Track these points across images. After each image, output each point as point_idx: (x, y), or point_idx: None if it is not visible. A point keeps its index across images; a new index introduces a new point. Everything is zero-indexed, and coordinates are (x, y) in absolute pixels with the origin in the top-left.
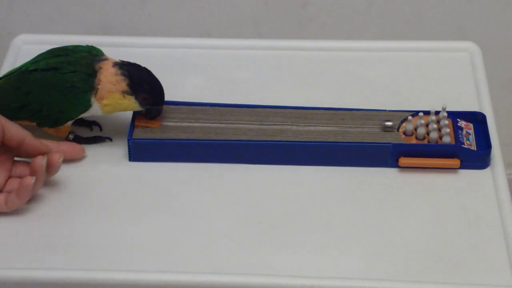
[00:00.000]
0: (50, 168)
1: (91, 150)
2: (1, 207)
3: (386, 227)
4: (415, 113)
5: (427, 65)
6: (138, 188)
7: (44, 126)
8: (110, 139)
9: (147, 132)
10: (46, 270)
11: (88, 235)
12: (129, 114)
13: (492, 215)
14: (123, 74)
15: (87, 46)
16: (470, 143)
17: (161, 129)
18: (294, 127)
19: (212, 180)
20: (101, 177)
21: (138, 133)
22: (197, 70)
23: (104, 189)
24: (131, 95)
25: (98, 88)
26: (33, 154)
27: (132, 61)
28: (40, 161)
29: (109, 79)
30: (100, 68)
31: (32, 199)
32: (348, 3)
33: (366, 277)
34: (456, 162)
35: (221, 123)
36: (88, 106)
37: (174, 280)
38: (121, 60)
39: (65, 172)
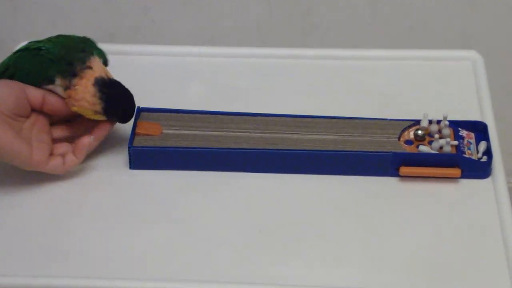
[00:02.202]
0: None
1: (92, 158)
2: (59, 168)
3: (386, 236)
4: (416, 122)
5: (429, 74)
6: (139, 196)
7: None
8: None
9: (148, 140)
10: (47, 278)
11: (88, 243)
12: (130, 122)
13: (493, 225)
14: (100, 98)
15: (80, 38)
16: (471, 152)
17: (162, 137)
18: (295, 136)
19: (213, 188)
20: (102, 185)
21: (139, 141)
22: (199, 78)
23: (104, 197)
24: (103, 115)
25: (72, 90)
26: (59, 111)
27: (134, 68)
28: (107, 126)
29: (85, 97)
30: (81, 78)
31: (32, 205)
32: (352, 12)
33: (365, 287)
34: (457, 171)
35: (222, 131)
36: (51, 79)
37: None
38: (102, 78)
39: (66, 179)
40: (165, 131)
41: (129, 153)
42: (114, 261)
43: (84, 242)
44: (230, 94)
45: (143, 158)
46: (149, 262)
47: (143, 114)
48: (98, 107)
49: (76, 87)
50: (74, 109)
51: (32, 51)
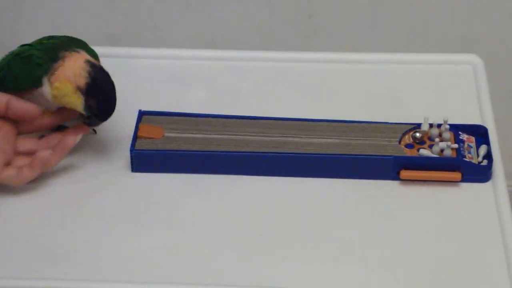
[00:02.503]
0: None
1: (94, 160)
2: (12, 180)
3: (386, 240)
4: (417, 126)
5: (430, 78)
6: (140, 199)
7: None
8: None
9: (150, 143)
10: (47, 280)
11: (89, 245)
12: (132, 125)
13: (493, 228)
14: (88, 73)
15: (72, 38)
16: (471, 156)
17: (164, 140)
18: (296, 139)
19: (214, 191)
20: (104, 187)
21: (141, 144)
22: (201, 81)
23: (106, 199)
24: (83, 95)
25: (57, 70)
26: (23, 117)
27: (137, 71)
28: (71, 141)
29: (73, 67)
30: (65, 56)
31: (33, 208)
32: (353, 15)
33: None
34: (457, 175)
35: (223, 135)
36: (38, 83)
37: None
38: (93, 61)
39: (67, 181)
40: (167, 134)
41: (130, 156)
42: (115, 264)
43: (86, 244)
44: (232, 97)
45: (145, 161)
46: (150, 264)
47: (145, 117)
48: (82, 82)
49: (65, 63)
50: (56, 85)
51: (23, 58)
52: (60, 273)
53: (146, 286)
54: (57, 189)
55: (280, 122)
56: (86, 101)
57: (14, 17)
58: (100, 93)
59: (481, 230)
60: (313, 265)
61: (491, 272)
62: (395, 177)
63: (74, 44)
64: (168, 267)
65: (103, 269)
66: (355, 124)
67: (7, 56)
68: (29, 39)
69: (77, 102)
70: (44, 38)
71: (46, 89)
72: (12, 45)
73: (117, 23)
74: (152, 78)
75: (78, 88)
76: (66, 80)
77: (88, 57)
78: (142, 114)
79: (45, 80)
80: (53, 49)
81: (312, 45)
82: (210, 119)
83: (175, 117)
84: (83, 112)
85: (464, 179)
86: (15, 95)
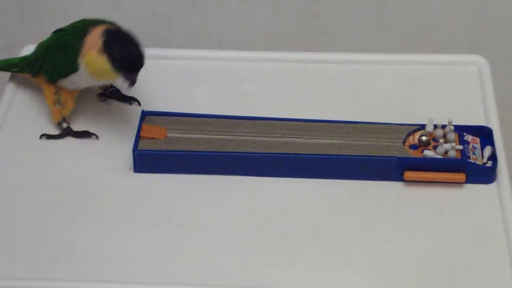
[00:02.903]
0: None
1: (96, 161)
2: None
3: (390, 241)
4: (421, 127)
5: (435, 79)
6: (143, 200)
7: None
8: (96, 136)
9: (153, 143)
10: (49, 281)
11: (91, 246)
12: (135, 125)
13: (497, 230)
14: (103, 34)
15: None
16: (476, 157)
17: (167, 140)
18: (300, 140)
19: (217, 192)
20: (106, 188)
21: (144, 145)
22: (205, 82)
23: (108, 200)
24: (104, 53)
25: (83, 46)
26: None
27: (140, 71)
28: None
29: (93, 37)
30: (92, 30)
31: (34, 207)
32: (358, 15)
33: None
34: (461, 176)
35: (226, 135)
36: (75, 67)
37: None
38: (115, 28)
39: (69, 181)
40: (169, 135)
41: (133, 157)
42: (116, 264)
43: (87, 244)
44: (235, 97)
45: (148, 162)
46: (152, 265)
47: (148, 117)
48: (100, 43)
49: (88, 37)
50: (86, 60)
51: (58, 47)
52: (61, 273)
53: (148, 287)
54: (59, 189)
55: (283, 122)
56: (109, 57)
57: (18, 17)
58: (117, 44)
59: (486, 232)
60: (317, 265)
61: (496, 273)
62: (399, 178)
63: (105, 21)
64: (170, 267)
65: (104, 270)
66: (359, 124)
67: (42, 44)
68: (33, 39)
69: (104, 64)
70: (77, 21)
71: (83, 68)
72: (16, 45)
73: (120, 23)
74: (155, 78)
75: (99, 51)
76: (89, 50)
77: (110, 26)
78: (145, 114)
79: (80, 61)
80: (83, 29)
81: (317, 46)
82: (213, 119)
83: (178, 118)
84: (115, 73)
85: (469, 181)
86: (56, 83)
